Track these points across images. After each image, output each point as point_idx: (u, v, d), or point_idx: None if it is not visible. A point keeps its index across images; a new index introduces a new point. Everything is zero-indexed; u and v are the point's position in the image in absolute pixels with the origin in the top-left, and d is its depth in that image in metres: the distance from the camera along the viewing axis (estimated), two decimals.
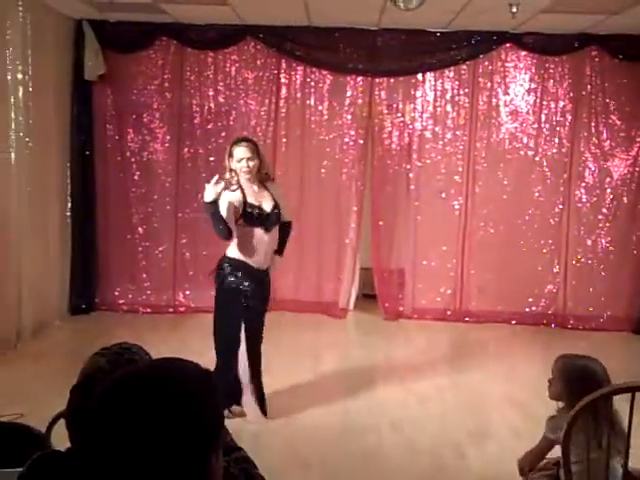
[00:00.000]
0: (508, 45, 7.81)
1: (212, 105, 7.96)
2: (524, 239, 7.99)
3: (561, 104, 7.88)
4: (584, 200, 7.93)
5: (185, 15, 7.38)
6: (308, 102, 7.99)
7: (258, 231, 4.70)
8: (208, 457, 1.35)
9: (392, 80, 7.96)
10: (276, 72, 7.94)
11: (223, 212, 4.56)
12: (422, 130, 8.01)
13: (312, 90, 7.99)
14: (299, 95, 7.99)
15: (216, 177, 4.57)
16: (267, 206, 4.74)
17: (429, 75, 7.95)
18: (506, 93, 7.90)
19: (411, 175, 8.06)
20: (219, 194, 4.55)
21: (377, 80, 7.92)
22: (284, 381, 5.67)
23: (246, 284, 4.70)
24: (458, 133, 7.97)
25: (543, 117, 7.90)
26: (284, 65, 7.96)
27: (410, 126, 8.03)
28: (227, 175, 4.71)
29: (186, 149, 8.01)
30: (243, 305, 4.72)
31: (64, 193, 7.66)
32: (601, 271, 7.96)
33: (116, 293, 8.08)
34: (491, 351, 7.08)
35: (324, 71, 7.96)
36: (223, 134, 7.93)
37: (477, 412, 5.32)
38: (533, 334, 7.66)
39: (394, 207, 8.15)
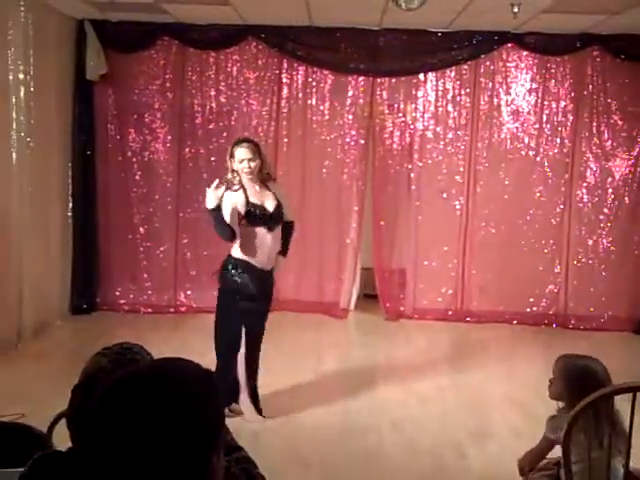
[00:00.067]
0: (509, 45, 7.82)
1: (213, 105, 7.97)
2: (525, 239, 7.99)
3: (562, 104, 7.88)
4: (585, 200, 7.93)
5: (187, 15, 7.39)
6: (309, 102, 7.99)
7: (261, 231, 4.70)
8: (209, 457, 1.35)
9: (393, 80, 7.96)
10: (277, 72, 7.95)
11: (226, 216, 4.59)
12: (423, 130, 8.01)
13: (313, 90, 7.99)
14: (300, 95, 7.99)
15: (216, 182, 4.56)
16: (269, 205, 4.74)
17: (430, 75, 7.95)
18: (507, 93, 7.90)
19: (412, 175, 8.06)
20: (220, 198, 4.56)
21: (378, 80, 7.93)
22: (285, 381, 5.67)
23: (250, 285, 4.71)
24: (459, 133, 7.97)
25: (544, 117, 7.90)
26: (285, 65, 7.96)
27: (411, 126, 8.03)
28: (229, 176, 4.73)
29: (187, 149, 8.01)
30: (246, 306, 4.73)
31: (65, 193, 7.66)
32: (602, 271, 7.95)
33: (117, 293, 8.08)
34: (492, 351, 7.08)
35: (325, 71, 7.96)
36: (224, 134, 7.93)
37: (478, 412, 5.32)
38: (534, 334, 7.66)
39: (395, 207, 8.15)
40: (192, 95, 7.95)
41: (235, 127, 7.95)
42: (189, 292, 8.11)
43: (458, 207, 8.05)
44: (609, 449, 2.67)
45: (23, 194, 6.61)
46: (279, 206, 4.79)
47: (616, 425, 2.81)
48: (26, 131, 6.61)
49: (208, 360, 1.58)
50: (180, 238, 8.10)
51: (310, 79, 7.97)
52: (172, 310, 8.04)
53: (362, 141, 8.00)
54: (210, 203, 4.53)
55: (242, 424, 4.73)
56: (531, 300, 8.03)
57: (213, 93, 7.95)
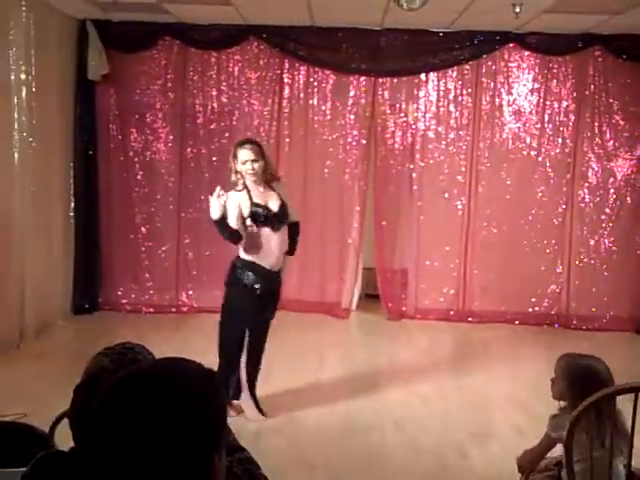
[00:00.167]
0: (511, 45, 7.81)
1: (215, 105, 7.97)
2: (527, 239, 7.98)
3: (564, 104, 7.87)
4: (587, 200, 7.93)
5: (188, 15, 7.39)
6: (311, 102, 7.99)
7: (267, 232, 4.71)
8: (211, 457, 1.35)
9: (395, 80, 7.96)
10: (279, 72, 7.95)
11: (231, 217, 4.61)
12: (425, 130, 8.01)
13: (315, 90, 7.99)
14: (302, 95, 7.99)
15: (218, 189, 4.55)
16: (274, 206, 4.75)
17: (432, 75, 7.95)
18: (509, 93, 7.90)
19: (414, 175, 8.06)
20: (224, 206, 4.56)
21: (380, 80, 7.92)
22: (287, 381, 5.67)
23: (257, 286, 4.72)
24: (461, 133, 7.97)
25: (546, 117, 7.90)
26: (287, 65, 7.96)
27: (413, 126, 8.03)
28: (233, 177, 4.74)
29: (189, 149, 8.01)
30: (253, 306, 4.74)
31: (67, 193, 7.67)
32: (604, 271, 7.95)
33: (119, 293, 8.09)
34: (494, 351, 7.07)
35: (327, 71, 7.96)
36: (226, 134, 7.93)
37: (480, 412, 5.32)
38: (536, 334, 7.66)
39: (397, 207, 8.15)
40: (194, 95, 7.96)
41: (237, 127, 7.95)
42: (191, 292, 8.12)
43: (460, 207, 8.04)
44: (611, 449, 2.67)
45: (25, 194, 6.62)
46: (283, 206, 4.79)
47: (618, 425, 2.81)
48: (28, 131, 6.61)
49: (210, 360, 1.57)
50: (182, 238, 8.10)
51: (312, 79, 7.97)
52: (174, 310, 8.05)
53: (364, 141, 8.00)
54: (215, 213, 4.54)
55: (244, 424, 4.73)
56: (533, 300, 8.03)
57: (215, 93, 7.96)
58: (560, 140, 7.90)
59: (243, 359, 4.88)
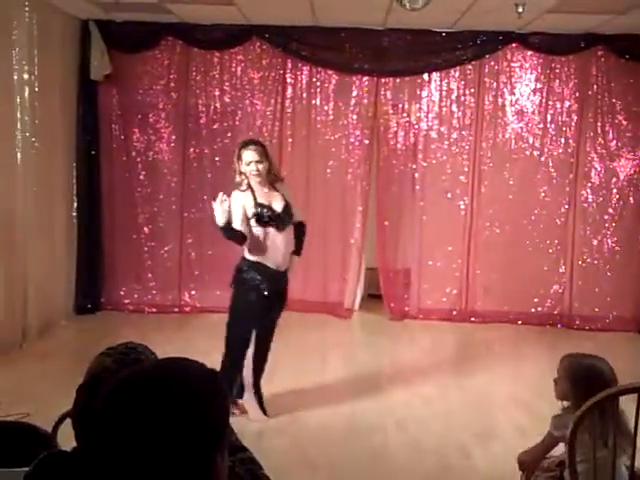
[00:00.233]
0: (514, 45, 7.81)
1: (218, 105, 7.97)
2: (530, 239, 7.98)
3: (567, 104, 7.87)
4: (590, 200, 7.92)
5: (191, 15, 7.39)
6: (314, 102, 7.99)
7: (271, 232, 4.72)
8: (213, 457, 1.35)
9: (398, 80, 7.96)
10: (282, 72, 7.95)
11: (237, 222, 4.63)
12: (428, 130, 8.00)
13: (318, 90, 7.99)
14: (305, 95, 7.99)
15: (220, 195, 4.54)
16: (277, 206, 4.76)
17: (435, 75, 7.95)
18: (512, 93, 7.89)
19: (417, 175, 8.06)
20: (228, 211, 4.56)
21: (383, 80, 7.92)
22: (290, 381, 5.67)
23: (264, 286, 4.73)
24: (464, 133, 7.97)
25: (549, 117, 7.89)
26: (290, 65, 7.96)
27: (416, 126, 8.03)
28: (237, 178, 4.76)
29: (192, 149, 8.02)
30: (259, 306, 4.75)
31: (70, 193, 7.67)
32: (607, 271, 7.94)
33: (122, 293, 8.09)
34: (496, 351, 7.07)
35: (330, 71, 7.96)
36: (229, 134, 7.94)
37: (483, 412, 5.32)
38: (539, 334, 7.65)
39: (399, 207, 8.15)
40: (196, 95, 7.96)
41: (239, 127, 7.96)
42: (193, 292, 8.12)
43: (462, 207, 8.04)
44: (614, 449, 2.66)
45: (28, 194, 6.62)
46: (287, 206, 4.80)
47: (621, 425, 2.80)
48: (31, 131, 6.62)
49: (213, 360, 1.57)
50: (184, 238, 8.10)
51: (314, 79, 7.97)
52: (176, 310, 8.05)
53: (366, 141, 8.00)
54: (220, 220, 4.54)
55: (246, 424, 4.73)
56: (536, 300, 8.02)
57: (217, 93, 7.96)
58: (563, 140, 7.89)
59: (249, 358, 4.89)
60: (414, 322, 8.02)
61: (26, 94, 6.53)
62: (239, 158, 4.74)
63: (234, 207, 4.65)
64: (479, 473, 4.26)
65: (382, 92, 7.94)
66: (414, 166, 8.05)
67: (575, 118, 7.87)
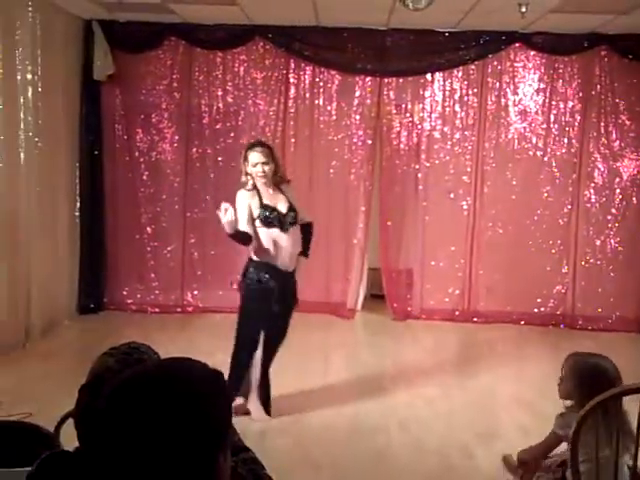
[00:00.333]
0: (517, 45, 7.80)
1: (221, 105, 7.97)
2: (533, 239, 7.97)
3: (570, 104, 7.86)
4: (593, 200, 7.91)
5: (194, 15, 7.39)
6: (317, 102, 7.99)
7: (277, 233, 4.75)
8: (216, 457, 1.35)
9: (401, 80, 7.96)
10: (285, 72, 7.95)
11: (242, 223, 4.65)
12: (431, 130, 8.00)
13: (321, 90, 7.99)
14: (308, 95, 7.99)
15: (223, 206, 4.54)
16: (282, 207, 4.79)
17: (438, 75, 7.95)
18: (515, 93, 7.89)
19: (419, 175, 8.06)
20: (234, 219, 4.57)
21: (386, 80, 7.92)
22: (293, 381, 5.67)
23: (271, 285, 4.75)
24: (467, 133, 7.96)
25: (552, 117, 7.88)
26: (293, 65, 7.96)
27: (419, 126, 8.02)
28: (243, 178, 4.79)
29: (195, 149, 8.02)
30: (268, 307, 4.77)
31: (73, 193, 7.68)
32: (610, 272, 7.93)
33: (124, 293, 8.10)
34: (499, 352, 7.06)
35: (333, 71, 7.96)
36: (232, 134, 7.95)
37: (485, 412, 5.31)
38: (542, 335, 7.64)
39: (402, 207, 8.15)
40: (199, 95, 7.96)
41: (242, 127, 7.96)
42: (196, 292, 8.12)
43: (465, 207, 8.04)
44: (617, 448, 2.66)
45: (31, 194, 6.63)
46: (292, 208, 4.82)
47: (624, 425, 2.80)
48: (34, 131, 6.62)
49: (215, 360, 1.56)
50: (187, 238, 8.10)
51: (317, 79, 7.98)
52: (179, 310, 8.05)
53: (369, 141, 8.00)
54: (228, 229, 4.55)
55: (249, 424, 4.73)
56: (538, 300, 8.01)
57: (220, 93, 7.96)
58: (566, 140, 7.89)
59: (258, 359, 4.90)
60: (417, 322, 8.01)
61: (29, 94, 6.53)
62: (245, 159, 4.77)
63: (240, 207, 4.70)
64: (482, 473, 4.26)
65: (385, 92, 7.94)
66: (417, 166, 8.05)
67: (578, 118, 7.86)
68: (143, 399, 1.31)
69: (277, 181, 4.87)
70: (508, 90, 7.89)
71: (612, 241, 7.91)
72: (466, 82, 7.92)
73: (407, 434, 4.83)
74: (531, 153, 7.92)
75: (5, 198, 6.28)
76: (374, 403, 5.40)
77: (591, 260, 7.95)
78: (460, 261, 8.09)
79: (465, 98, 7.95)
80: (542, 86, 7.87)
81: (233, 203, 4.69)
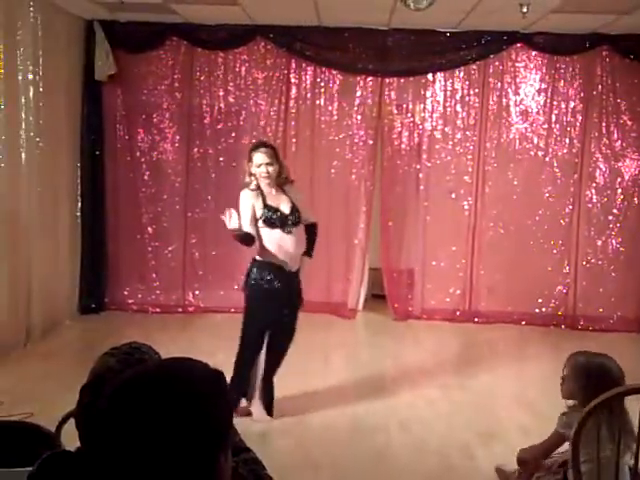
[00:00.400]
0: (518, 45, 7.80)
1: (222, 105, 7.97)
2: (534, 239, 7.97)
3: (572, 104, 7.85)
4: (594, 200, 7.90)
5: (195, 15, 7.40)
6: (318, 102, 7.98)
7: (280, 233, 4.75)
8: (217, 457, 1.35)
9: (402, 80, 7.95)
10: (286, 72, 7.94)
11: (245, 223, 4.66)
12: (432, 130, 8.00)
13: (322, 90, 7.98)
14: (309, 95, 7.99)
15: (227, 214, 4.55)
16: (285, 208, 4.80)
17: (439, 75, 7.94)
18: (516, 93, 7.88)
19: (421, 175, 8.06)
20: (240, 225, 4.59)
21: (387, 80, 7.92)
22: (293, 381, 5.65)
23: (275, 285, 4.76)
24: (468, 133, 7.96)
25: (553, 117, 7.88)
26: (294, 65, 7.96)
27: (420, 126, 8.02)
28: (247, 179, 4.80)
29: (196, 149, 8.02)
30: (272, 307, 4.78)
31: (74, 193, 7.68)
32: (611, 272, 7.92)
33: (125, 293, 8.10)
34: (500, 352, 7.06)
35: (334, 71, 7.96)
36: (233, 134, 7.95)
37: (486, 412, 5.31)
38: (543, 335, 7.64)
39: (403, 207, 8.14)
40: (200, 95, 7.96)
41: (243, 127, 7.96)
42: (197, 292, 8.12)
43: (467, 207, 8.03)
44: (618, 448, 2.66)
45: (32, 194, 6.63)
46: (294, 209, 4.83)
47: (626, 424, 2.80)
48: (35, 131, 6.62)
49: (216, 360, 1.56)
50: (188, 238, 8.10)
51: (318, 79, 7.97)
52: (180, 310, 8.05)
53: (370, 141, 7.99)
54: (234, 228, 4.56)
55: (250, 424, 4.73)
56: (540, 301, 8.01)
57: (221, 93, 7.96)
58: (567, 140, 7.88)
59: (261, 359, 4.91)
60: (418, 322, 8.01)
61: (31, 94, 6.53)
62: (249, 160, 4.79)
63: (243, 207, 4.72)
64: (482, 473, 4.25)
65: (386, 92, 7.93)
66: (418, 166, 8.05)
67: (580, 118, 7.85)
68: (144, 399, 1.32)
69: (281, 182, 4.88)
70: (509, 90, 7.89)
71: (613, 241, 7.90)
72: (467, 82, 7.92)
73: (408, 434, 4.83)
74: (532, 153, 7.92)
75: (6, 198, 6.28)
76: (375, 403, 5.40)
77: (592, 260, 7.94)
78: (461, 261, 8.09)
79: (466, 98, 7.94)
80: (543, 86, 7.87)
81: (235, 203, 4.71)
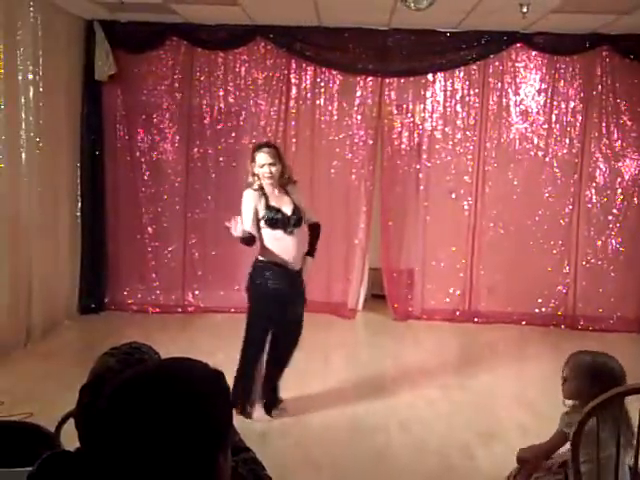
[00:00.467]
0: (518, 45, 7.79)
1: (222, 105, 7.97)
2: (534, 240, 7.97)
3: (572, 104, 7.85)
4: (594, 201, 7.90)
5: (195, 15, 7.39)
6: (318, 102, 7.98)
7: (281, 234, 4.76)
8: (216, 457, 1.35)
9: (402, 80, 7.95)
10: (286, 72, 7.94)
11: (247, 217, 4.68)
12: (432, 130, 8.00)
13: (322, 90, 7.98)
14: (309, 95, 7.99)
15: (233, 220, 4.55)
16: (287, 209, 4.81)
17: (439, 75, 7.94)
18: (516, 93, 7.88)
19: (421, 175, 8.05)
20: (244, 231, 4.60)
21: (387, 80, 7.92)
22: (293, 381, 5.65)
23: (278, 284, 4.77)
24: (468, 133, 7.96)
25: (553, 117, 7.88)
26: (294, 65, 7.96)
27: (420, 126, 8.02)
28: (249, 179, 4.82)
29: (196, 149, 8.02)
30: (275, 307, 4.79)
31: (74, 193, 7.68)
32: (611, 272, 7.92)
33: (125, 293, 8.10)
34: (500, 352, 7.06)
35: (334, 71, 7.95)
36: (233, 134, 7.95)
37: (486, 413, 5.31)
38: (543, 335, 7.64)
39: (403, 207, 8.14)
40: (200, 95, 7.96)
41: (243, 127, 7.96)
42: (197, 292, 8.12)
43: (467, 207, 8.03)
44: (617, 448, 2.66)
45: (32, 194, 6.63)
46: (297, 209, 4.84)
47: (626, 424, 2.80)
48: (35, 131, 6.62)
49: (216, 360, 1.55)
50: (188, 238, 8.10)
51: (318, 79, 7.97)
52: (180, 310, 8.05)
53: (370, 141, 7.99)
54: (240, 232, 4.58)
55: (250, 424, 4.74)
56: (540, 301, 8.01)
57: (221, 93, 7.96)
58: (567, 140, 7.88)
59: (263, 360, 4.92)
60: (418, 322, 8.01)
61: (31, 94, 6.53)
62: (252, 160, 4.80)
63: (246, 207, 4.74)
64: (482, 473, 4.26)
65: (386, 92, 7.93)
66: (418, 166, 8.04)
67: (580, 118, 7.85)
68: (144, 399, 1.32)
69: (284, 182, 4.89)
70: (509, 90, 7.88)
71: (613, 241, 7.90)
72: (467, 82, 7.92)
73: (408, 434, 4.83)
74: (532, 153, 7.92)
75: (6, 198, 6.28)
76: (375, 403, 5.40)
77: (592, 260, 7.94)
78: (461, 261, 8.08)
79: (466, 98, 7.94)
80: (543, 86, 7.87)
81: (235, 203, 4.72)
